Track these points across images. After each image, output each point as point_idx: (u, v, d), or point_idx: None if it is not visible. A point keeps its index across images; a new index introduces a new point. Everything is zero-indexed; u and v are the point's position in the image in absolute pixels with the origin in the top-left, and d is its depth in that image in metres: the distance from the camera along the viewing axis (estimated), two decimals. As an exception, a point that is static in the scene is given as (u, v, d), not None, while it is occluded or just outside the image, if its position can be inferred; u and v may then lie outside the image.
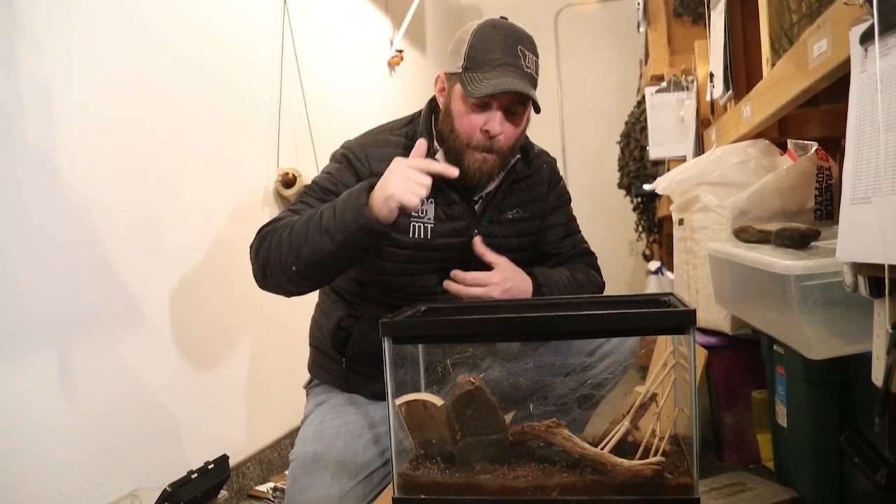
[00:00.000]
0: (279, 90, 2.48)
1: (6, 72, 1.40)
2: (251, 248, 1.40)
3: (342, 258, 1.29)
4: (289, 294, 1.41)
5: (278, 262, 1.31)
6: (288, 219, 1.36)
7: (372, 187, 1.26)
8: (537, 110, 1.38)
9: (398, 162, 1.28)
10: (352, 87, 3.16)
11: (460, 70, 1.36)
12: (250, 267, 1.43)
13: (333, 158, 1.49)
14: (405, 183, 1.23)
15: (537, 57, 1.41)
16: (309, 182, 1.48)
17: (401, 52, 3.68)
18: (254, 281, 1.43)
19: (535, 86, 1.39)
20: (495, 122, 1.36)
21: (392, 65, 3.66)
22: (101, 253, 1.62)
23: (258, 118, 2.35)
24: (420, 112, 1.51)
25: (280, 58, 2.49)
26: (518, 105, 1.38)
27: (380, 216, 1.23)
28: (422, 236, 1.43)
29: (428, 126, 1.46)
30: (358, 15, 3.30)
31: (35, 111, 1.46)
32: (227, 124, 2.16)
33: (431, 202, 1.43)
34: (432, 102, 1.49)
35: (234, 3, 2.24)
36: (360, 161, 1.43)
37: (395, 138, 1.48)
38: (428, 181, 1.26)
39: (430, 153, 1.42)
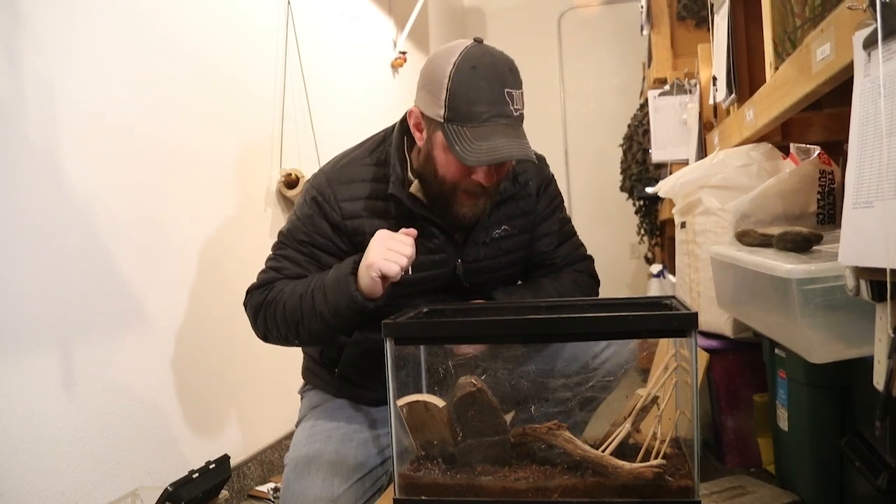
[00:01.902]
0: (282, 91, 2.48)
1: (8, 71, 1.41)
2: (246, 308, 1.43)
3: (342, 330, 1.36)
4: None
5: (279, 335, 1.38)
6: (277, 290, 1.36)
7: (357, 263, 1.27)
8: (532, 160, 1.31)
9: (381, 232, 1.27)
10: (355, 88, 3.17)
11: (441, 120, 1.25)
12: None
13: (304, 198, 1.42)
14: (385, 252, 1.23)
15: (522, 86, 1.29)
16: (283, 227, 1.44)
17: (404, 53, 3.68)
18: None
19: (522, 120, 1.30)
20: (487, 175, 1.29)
21: (395, 66, 3.67)
22: (102, 253, 1.62)
23: (261, 119, 2.36)
24: (392, 130, 1.42)
25: (283, 58, 2.50)
26: None
27: (364, 289, 1.25)
28: None
29: (401, 155, 1.38)
30: (361, 16, 3.30)
31: (37, 111, 1.47)
32: (229, 125, 2.16)
33: None
34: (404, 124, 1.39)
35: (237, 3, 2.24)
36: (329, 204, 1.37)
37: (365, 168, 1.40)
38: (409, 251, 1.24)
39: (405, 184, 1.36)
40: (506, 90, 1.25)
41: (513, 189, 1.45)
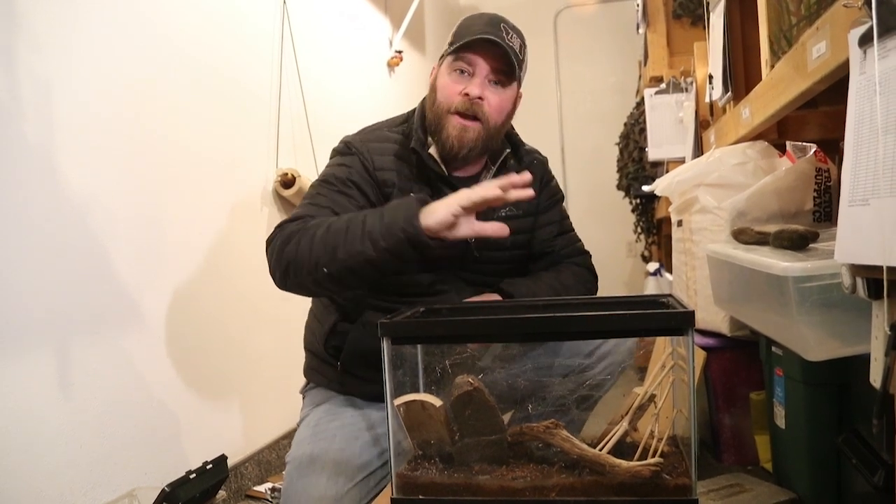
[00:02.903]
0: (278, 90, 2.48)
1: (6, 71, 1.40)
2: (270, 244, 1.33)
3: (379, 267, 1.23)
4: (309, 294, 1.39)
5: (307, 261, 1.25)
6: (318, 218, 1.30)
7: (424, 203, 1.22)
8: (514, 71, 1.39)
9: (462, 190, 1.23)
10: (351, 87, 3.16)
11: (446, 48, 1.42)
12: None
13: (338, 152, 1.50)
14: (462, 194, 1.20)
15: (524, 43, 1.43)
16: (316, 180, 1.45)
17: (400, 52, 3.68)
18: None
19: (519, 64, 1.40)
20: (475, 85, 1.38)
21: (391, 65, 3.66)
22: (100, 253, 1.62)
23: (257, 118, 2.35)
24: (415, 110, 1.52)
25: (279, 58, 2.49)
26: (501, 74, 1.40)
27: (430, 223, 1.18)
28: None
29: (422, 123, 1.47)
30: (357, 15, 3.30)
31: (34, 111, 1.46)
32: (226, 124, 2.16)
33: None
34: (425, 101, 1.50)
35: (234, 2, 2.24)
36: (363, 154, 1.44)
37: (393, 135, 1.49)
38: (484, 194, 1.18)
39: (424, 146, 1.44)
40: (502, 24, 1.40)
41: (517, 167, 1.53)
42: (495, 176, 1.48)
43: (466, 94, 1.38)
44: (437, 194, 1.43)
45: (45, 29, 1.49)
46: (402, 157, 1.46)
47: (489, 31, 1.37)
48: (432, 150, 1.45)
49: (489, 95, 1.39)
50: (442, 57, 1.45)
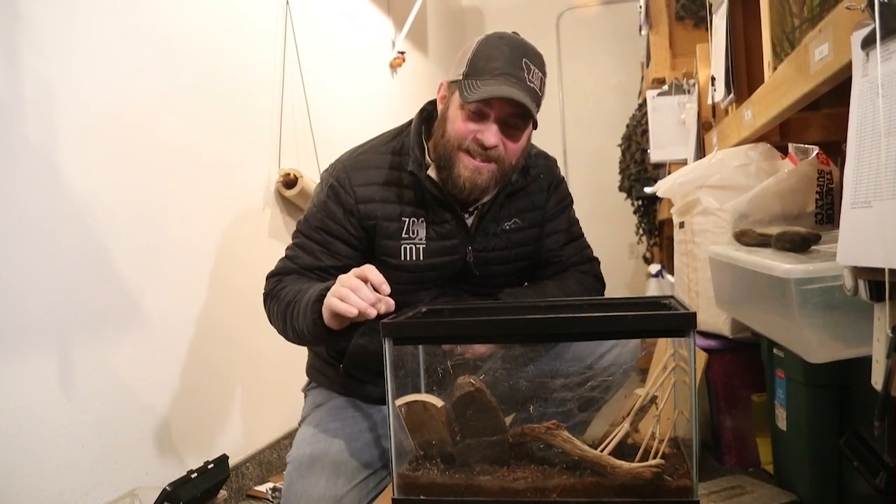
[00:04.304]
0: (281, 90, 2.48)
1: (7, 71, 1.40)
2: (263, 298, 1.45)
3: (322, 345, 1.38)
4: None
5: (278, 329, 1.40)
6: (283, 286, 1.37)
7: (325, 293, 1.20)
8: (534, 126, 1.34)
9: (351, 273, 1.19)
10: (353, 88, 3.16)
11: (461, 77, 1.32)
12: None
13: (321, 186, 1.45)
14: (339, 290, 1.16)
15: (544, 74, 1.35)
16: (306, 212, 1.47)
17: (403, 53, 3.68)
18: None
19: (538, 103, 1.33)
20: (489, 132, 1.30)
21: (394, 66, 3.67)
22: (101, 253, 1.62)
23: (260, 118, 2.36)
24: (410, 122, 1.46)
25: (282, 58, 2.50)
26: (517, 119, 1.33)
27: (330, 324, 1.20)
28: (414, 258, 1.40)
29: (419, 139, 1.41)
30: (360, 16, 3.30)
31: (36, 111, 1.47)
32: (228, 125, 2.16)
33: (423, 222, 1.40)
34: (423, 112, 1.45)
35: (235, 3, 2.24)
36: (345, 189, 1.40)
37: (381, 157, 1.44)
38: (367, 295, 1.14)
39: (422, 168, 1.38)
40: (524, 60, 1.31)
41: (523, 181, 1.48)
42: (498, 194, 1.43)
43: (478, 140, 1.31)
44: (434, 216, 1.40)
45: (46, 29, 1.50)
46: (392, 182, 1.41)
47: (510, 72, 1.28)
48: (431, 172, 1.39)
49: (506, 140, 1.33)
50: (453, 83, 1.35)
